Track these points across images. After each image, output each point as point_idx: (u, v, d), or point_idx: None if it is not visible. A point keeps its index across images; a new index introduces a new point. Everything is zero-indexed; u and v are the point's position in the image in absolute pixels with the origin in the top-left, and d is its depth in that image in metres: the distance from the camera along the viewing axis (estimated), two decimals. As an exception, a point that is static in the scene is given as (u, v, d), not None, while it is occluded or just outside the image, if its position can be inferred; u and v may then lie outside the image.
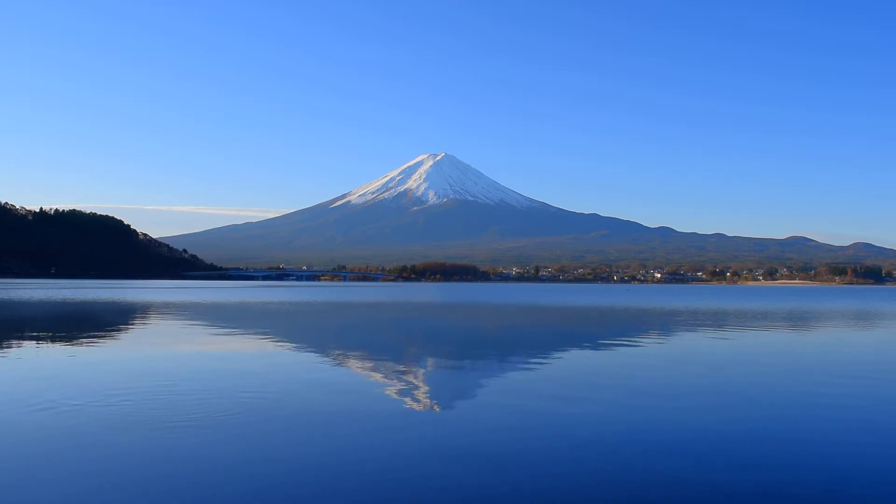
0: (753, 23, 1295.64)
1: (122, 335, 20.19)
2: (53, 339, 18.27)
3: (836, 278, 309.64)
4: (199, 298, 52.27)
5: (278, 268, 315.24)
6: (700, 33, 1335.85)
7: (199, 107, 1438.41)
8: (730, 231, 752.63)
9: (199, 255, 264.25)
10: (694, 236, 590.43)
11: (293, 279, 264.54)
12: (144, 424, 7.83)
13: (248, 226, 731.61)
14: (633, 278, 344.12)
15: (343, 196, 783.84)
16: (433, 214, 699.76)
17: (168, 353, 15.38)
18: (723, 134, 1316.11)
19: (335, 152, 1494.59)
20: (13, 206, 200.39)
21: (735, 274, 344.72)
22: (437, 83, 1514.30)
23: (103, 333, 20.33)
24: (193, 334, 20.18)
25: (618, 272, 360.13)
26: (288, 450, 6.86)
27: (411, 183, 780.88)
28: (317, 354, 15.45)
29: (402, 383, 11.23)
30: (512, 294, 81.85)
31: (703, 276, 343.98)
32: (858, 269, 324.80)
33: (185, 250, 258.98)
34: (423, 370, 13.10)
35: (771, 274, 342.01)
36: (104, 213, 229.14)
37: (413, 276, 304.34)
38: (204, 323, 25.17)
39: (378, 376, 12.03)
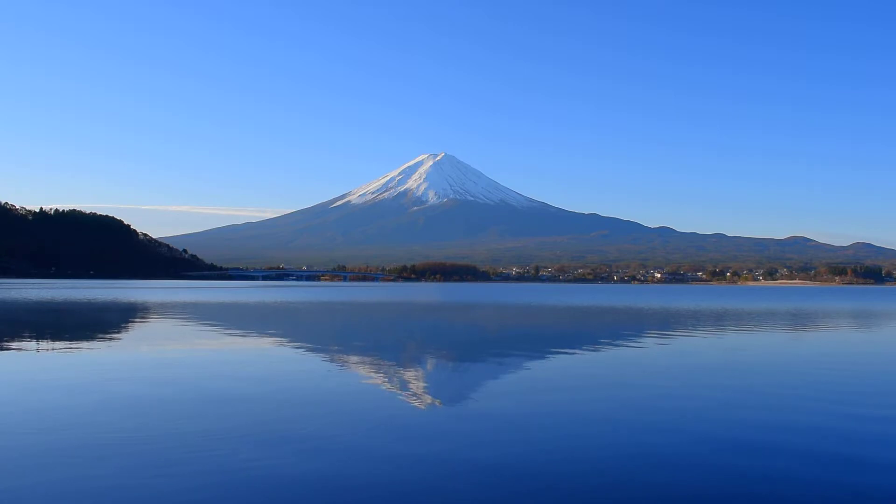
0: (753, 23, 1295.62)
1: (125, 336, 20.24)
2: (52, 341, 18.31)
3: (836, 278, 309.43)
4: (200, 298, 52.31)
5: (278, 268, 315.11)
6: (700, 33, 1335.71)
7: (199, 107, 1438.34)
8: (730, 231, 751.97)
9: (199, 255, 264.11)
10: (694, 236, 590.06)
11: (293, 279, 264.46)
12: (152, 425, 7.90)
13: (248, 226, 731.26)
14: (633, 278, 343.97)
15: (343, 196, 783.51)
16: (433, 214, 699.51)
17: (169, 354, 15.43)
18: (723, 134, 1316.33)
19: (335, 152, 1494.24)
20: (13, 206, 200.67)
21: (735, 274, 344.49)
22: (437, 83, 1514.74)
23: (104, 334, 20.38)
24: (195, 335, 20.21)
25: (618, 272, 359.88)
26: (287, 448, 6.88)
27: (411, 183, 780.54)
28: (317, 354, 15.49)
29: (402, 384, 11.27)
30: (512, 294, 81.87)
31: (703, 276, 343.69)
32: (858, 269, 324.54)
33: (185, 250, 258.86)
34: (423, 371, 13.14)
35: (771, 274, 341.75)
36: (104, 213, 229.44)
37: (413, 276, 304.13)
38: (205, 323, 25.21)
39: (378, 377, 12.08)
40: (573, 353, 16.14)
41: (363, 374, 12.33)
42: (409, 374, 12.38)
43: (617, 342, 18.74)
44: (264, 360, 14.30)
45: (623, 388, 10.91)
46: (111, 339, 18.80)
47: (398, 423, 8.19)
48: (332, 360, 14.39)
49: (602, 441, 7.41)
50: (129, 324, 25.16)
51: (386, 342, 19.62)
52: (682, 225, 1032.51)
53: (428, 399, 9.83)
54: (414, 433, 7.66)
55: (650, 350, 17.01)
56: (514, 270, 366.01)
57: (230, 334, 20.28)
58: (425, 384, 11.29)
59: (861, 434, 7.83)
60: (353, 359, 14.74)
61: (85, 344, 17.21)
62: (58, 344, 17.26)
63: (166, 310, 34.41)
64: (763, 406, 9.43)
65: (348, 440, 7.26)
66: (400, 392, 10.39)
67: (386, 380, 11.62)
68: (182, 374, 11.83)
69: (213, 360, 14.25)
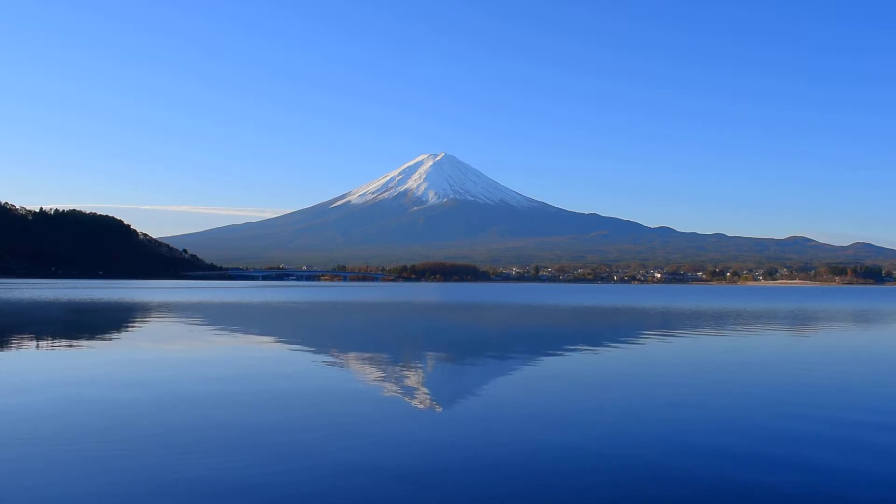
0: (753, 23, 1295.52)
1: (129, 336, 20.23)
2: (53, 341, 18.31)
3: (836, 278, 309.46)
4: (201, 298, 52.30)
5: (278, 268, 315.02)
6: (700, 33, 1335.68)
7: (199, 107, 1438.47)
8: (730, 231, 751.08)
9: (199, 255, 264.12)
10: (694, 236, 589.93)
11: (293, 279, 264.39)
12: (153, 421, 7.89)
13: (248, 226, 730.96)
14: (633, 278, 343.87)
15: (343, 196, 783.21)
16: (433, 214, 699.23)
17: (168, 354, 15.43)
18: (723, 134, 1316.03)
19: (335, 152, 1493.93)
20: (13, 206, 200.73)
21: (735, 274, 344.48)
22: (437, 83, 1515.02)
23: (105, 334, 20.37)
24: (197, 335, 20.19)
25: (618, 272, 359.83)
26: (288, 449, 6.88)
27: (411, 183, 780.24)
28: (318, 355, 15.49)
29: (402, 385, 11.27)
30: (512, 294, 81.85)
31: (703, 276, 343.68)
32: (858, 269, 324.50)
33: (185, 250, 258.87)
34: (423, 371, 13.13)
35: (771, 274, 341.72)
36: (104, 213, 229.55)
37: (413, 276, 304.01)
38: (207, 323, 25.19)
39: (379, 377, 12.07)
40: (574, 354, 16.12)
41: (363, 375, 12.32)
42: (410, 375, 12.35)
43: (618, 343, 18.71)
44: (260, 365, 14.28)
45: (626, 390, 10.91)
46: (104, 340, 18.79)
47: (399, 423, 8.19)
48: (329, 363, 14.37)
49: (603, 447, 7.41)
50: (143, 324, 25.14)
51: (387, 343, 19.61)
52: (682, 225, 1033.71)
53: (426, 406, 9.82)
54: (415, 435, 7.66)
55: (651, 350, 17.01)
56: (514, 270, 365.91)
57: (231, 335, 20.23)
58: (425, 389, 11.26)
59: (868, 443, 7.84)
60: (353, 363, 14.73)
61: (70, 346, 17.20)
62: (61, 345, 17.24)
63: (167, 310, 34.39)
64: (776, 413, 9.43)
65: (348, 439, 7.26)
66: (400, 392, 10.38)
67: (387, 379, 11.60)
68: (184, 375, 11.82)
69: (204, 365, 14.23)
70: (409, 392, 10.44)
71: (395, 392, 10.42)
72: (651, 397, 10.10)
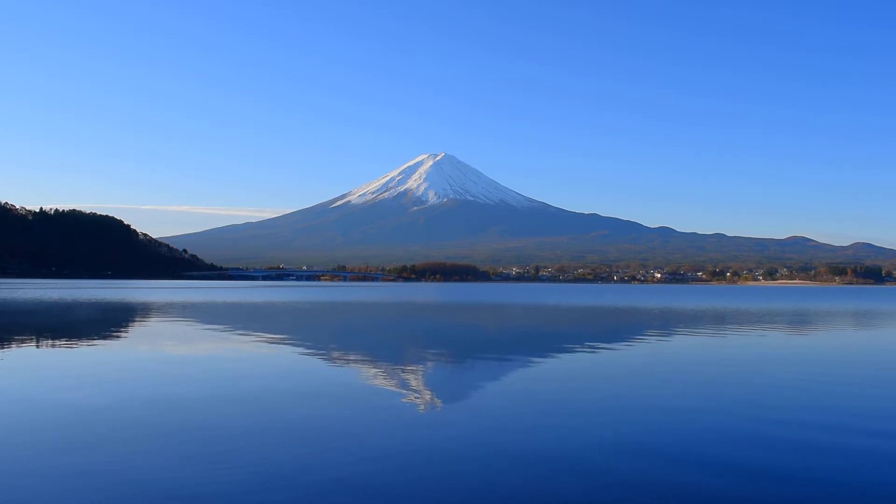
0: (753, 23, 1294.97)
1: (131, 336, 20.23)
2: (55, 341, 18.31)
3: (836, 278, 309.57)
4: (201, 298, 52.29)
5: (278, 268, 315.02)
6: (700, 33, 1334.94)
7: (199, 107, 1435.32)
8: (730, 231, 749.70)
9: (199, 255, 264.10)
10: (694, 236, 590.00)
11: (293, 279, 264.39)
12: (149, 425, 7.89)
13: (248, 226, 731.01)
14: (633, 278, 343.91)
15: (343, 196, 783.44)
16: (433, 214, 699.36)
17: (170, 354, 15.42)
18: (723, 134, 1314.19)
19: (335, 152, 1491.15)
20: (13, 206, 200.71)
21: (735, 274, 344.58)
22: (437, 83, 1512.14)
23: (110, 334, 20.37)
24: (198, 335, 20.19)
25: (618, 272, 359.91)
26: (290, 449, 6.88)
27: (411, 183, 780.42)
28: (319, 355, 15.48)
29: (403, 385, 11.27)
30: (512, 294, 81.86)
31: (703, 276, 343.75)
32: (858, 269, 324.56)
33: (185, 250, 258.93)
34: (423, 371, 13.12)
35: (771, 274, 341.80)
36: (104, 213, 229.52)
37: (413, 276, 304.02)
38: (208, 323, 25.19)
39: (379, 377, 12.07)
40: (575, 355, 16.11)
41: (365, 375, 12.31)
42: (410, 376, 12.34)
43: (619, 344, 18.70)
44: (269, 360, 14.28)
45: (630, 389, 10.91)
46: (124, 340, 18.78)
47: (400, 423, 8.18)
48: (333, 360, 14.36)
49: (603, 446, 7.40)
50: (147, 324, 25.13)
51: (387, 343, 19.60)
52: (682, 225, 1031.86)
53: (431, 400, 9.81)
54: (416, 434, 7.65)
55: (654, 352, 17.00)
56: (514, 270, 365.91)
57: (234, 335, 20.23)
58: (427, 386, 11.26)
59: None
60: (355, 359, 14.72)
61: (93, 345, 17.20)
62: (63, 345, 17.23)
63: (171, 311, 34.38)
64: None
65: (350, 439, 7.25)
66: (400, 393, 10.37)
67: (388, 380, 11.60)
68: (186, 375, 11.82)
69: (216, 360, 14.23)
70: (410, 393, 10.43)
71: (395, 393, 10.42)
72: (653, 401, 10.09)
